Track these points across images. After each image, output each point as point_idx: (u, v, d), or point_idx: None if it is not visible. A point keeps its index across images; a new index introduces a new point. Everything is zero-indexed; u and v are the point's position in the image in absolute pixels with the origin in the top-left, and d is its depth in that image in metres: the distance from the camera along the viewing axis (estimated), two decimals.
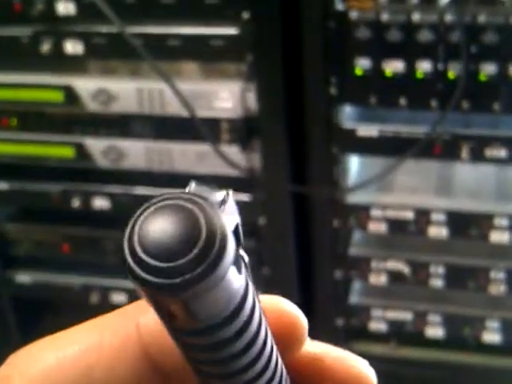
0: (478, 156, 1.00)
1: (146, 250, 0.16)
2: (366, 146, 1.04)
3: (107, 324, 0.25)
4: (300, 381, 0.27)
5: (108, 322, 0.25)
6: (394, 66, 0.96)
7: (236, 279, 0.17)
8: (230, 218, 0.17)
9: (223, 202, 0.18)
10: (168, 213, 0.16)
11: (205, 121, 1.00)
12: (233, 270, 0.17)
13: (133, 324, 0.24)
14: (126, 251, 0.16)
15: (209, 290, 0.16)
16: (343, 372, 0.26)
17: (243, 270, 0.18)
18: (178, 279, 0.16)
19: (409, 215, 1.07)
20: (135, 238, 0.16)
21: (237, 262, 0.17)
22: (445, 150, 1.00)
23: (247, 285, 0.19)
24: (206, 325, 0.18)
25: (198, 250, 0.16)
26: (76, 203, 1.13)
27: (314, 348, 0.27)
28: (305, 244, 1.12)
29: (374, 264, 1.11)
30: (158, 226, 0.16)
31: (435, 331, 1.14)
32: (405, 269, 1.10)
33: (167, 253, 0.16)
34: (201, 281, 0.16)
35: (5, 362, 0.25)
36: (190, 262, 0.16)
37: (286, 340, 0.25)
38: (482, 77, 0.94)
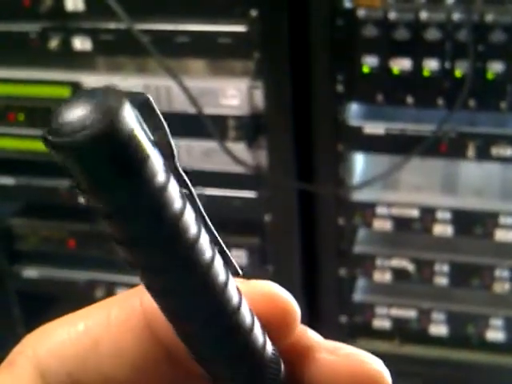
0: (484, 154, 1.00)
1: (56, 121, 0.18)
2: (373, 144, 1.04)
3: (113, 302, 0.26)
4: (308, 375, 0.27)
5: (114, 300, 0.26)
6: (401, 64, 0.97)
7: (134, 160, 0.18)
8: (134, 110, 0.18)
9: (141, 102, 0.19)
10: (82, 97, 0.18)
11: (212, 118, 1.00)
12: (128, 149, 0.18)
13: (137, 301, 0.25)
14: (46, 128, 0.18)
15: (94, 155, 0.17)
16: (356, 368, 0.26)
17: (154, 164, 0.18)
18: (70, 137, 0.17)
19: (414, 213, 1.07)
20: (53, 116, 0.18)
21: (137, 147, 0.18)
22: (451, 148, 1.01)
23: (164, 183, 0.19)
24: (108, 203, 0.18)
25: (90, 117, 0.17)
26: (82, 199, 1.13)
27: (329, 343, 0.27)
28: (310, 241, 1.13)
29: (378, 262, 1.12)
30: (69, 106, 0.18)
31: (439, 329, 1.15)
32: (409, 266, 1.11)
33: (69, 122, 0.18)
34: (88, 143, 0.17)
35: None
36: (80, 126, 0.17)
37: (278, 325, 0.25)
38: (489, 75, 0.94)
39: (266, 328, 0.24)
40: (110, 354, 0.25)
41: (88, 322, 0.25)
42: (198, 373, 0.25)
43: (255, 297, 0.25)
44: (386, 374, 0.26)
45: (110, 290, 1.20)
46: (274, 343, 0.25)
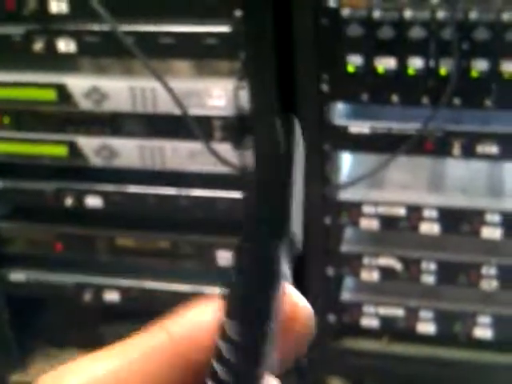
0: (469, 152, 1.01)
1: None
2: (358, 143, 1.05)
3: (136, 343, 0.25)
4: None
5: (136, 341, 0.25)
6: (385, 63, 0.97)
7: None
8: None
9: None
10: None
11: (197, 119, 1.00)
12: None
13: (164, 334, 0.25)
14: None
15: None
16: None
17: None
18: None
19: (401, 212, 1.07)
20: None
21: None
22: (436, 146, 1.01)
23: None
24: None
25: None
26: (69, 202, 1.13)
27: None
28: None
29: (365, 260, 1.12)
30: None
31: (427, 327, 1.15)
32: (397, 265, 1.11)
33: None
34: None
35: None
36: None
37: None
38: (474, 73, 0.95)
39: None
40: None
41: (108, 365, 0.24)
42: None
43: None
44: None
45: (97, 293, 1.20)
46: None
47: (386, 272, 1.12)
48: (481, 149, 1.00)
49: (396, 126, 1.02)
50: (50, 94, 1.05)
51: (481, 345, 1.15)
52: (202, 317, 0.25)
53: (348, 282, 1.19)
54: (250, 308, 0.24)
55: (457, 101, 0.97)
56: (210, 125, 1.03)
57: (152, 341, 0.25)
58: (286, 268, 0.24)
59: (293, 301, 0.26)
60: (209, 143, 1.01)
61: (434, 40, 0.94)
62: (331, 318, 1.18)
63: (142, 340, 0.25)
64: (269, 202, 0.22)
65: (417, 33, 0.94)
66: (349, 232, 1.16)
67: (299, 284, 1.00)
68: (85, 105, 1.05)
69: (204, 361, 0.24)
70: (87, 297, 1.20)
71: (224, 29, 0.99)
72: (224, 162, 1.02)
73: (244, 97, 1.02)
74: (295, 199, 0.22)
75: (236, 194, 1.08)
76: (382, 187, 1.12)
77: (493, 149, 1.00)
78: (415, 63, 0.96)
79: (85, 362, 0.25)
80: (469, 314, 1.13)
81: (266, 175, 0.21)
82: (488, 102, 0.96)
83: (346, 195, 1.09)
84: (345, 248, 1.13)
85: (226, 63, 1.05)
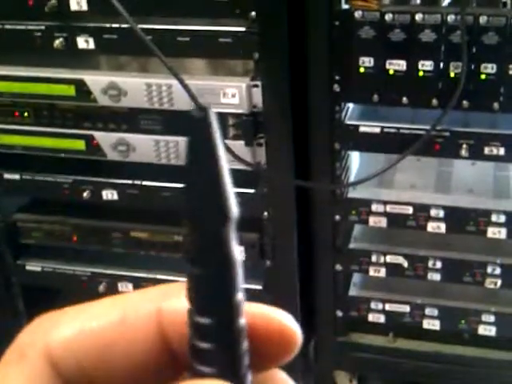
0: (476, 153, 1.03)
1: None
2: (368, 143, 1.07)
3: (130, 303, 0.27)
4: None
5: (131, 301, 0.27)
6: (396, 65, 0.99)
7: None
8: None
9: None
10: None
11: None
12: None
13: (153, 307, 0.26)
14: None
15: None
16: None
17: None
18: None
19: (408, 211, 1.09)
20: None
21: None
22: (445, 147, 1.03)
23: None
24: None
25: None
26: (85, 195, 1.15)
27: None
28: (306, 237, 1.15)
29: (373, 258, 1.14)
30: None
31: (432, 324, 1.17)
32: (404, 262, 1.13)
33: None
34: None
35: (30, 324, 0.27)
36: None
37: (276, 350, 0.27)
38: (482, 76, 0.96)
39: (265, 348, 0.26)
40: (123, 356, 0.26)
41: (102, 320, 0.26)
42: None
43: (269, 321, 0.27)
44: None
45: (112, 284, 1.23)
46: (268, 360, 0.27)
47: (394, 269, 1.14)
48: (488, 150, 1.02)
49: (405, 127, 1.04)
50: (69, 90, 1.08)
51: (485, 342, 1.17)
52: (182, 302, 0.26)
53: (356, 278, 1.21)
54: (211, 292, 0.25)
55: (465, 103, 0.99)
56: (224, 122, 1.05)
57: (143, 307, 0.26)
58: (237, 249, 0.26)
59: (282, 323, 0.27)
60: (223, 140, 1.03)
61: (443, 43, 0.96)
62: (339, 313, 1.20)
63: (135, 303, 0.26)
64: (201, 189, 0.24)
65: (427, 36, 0.96)
66: (357, 229, 1.18)
67: (308, 279, 1.04)
68: (102, 100, 1.08)
69: (183, 350, 0.25)
70: (102, 288, 1.23)
71: (239, 28, 1.01)
72: (237, 158, 1.04)
73: (257, 95, 1.04)
74: (223, 176, 0.24)
75: (249, 190, 1.11)
76: (391, 186, 1.14)
77: (500, 151, 1.01)
78: (425, 65, 0.98)
79: (81, 310, 0.26)
80: (473, 311, 1.15)
81: (190, 165, 0.23)
82: (496, 105, 0.98)
83: (355, 193, 1.11)
84: (353, 245, 1.15)
85: (240, 62, 1.08)
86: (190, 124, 0.24)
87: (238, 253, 0.25)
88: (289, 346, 0.27)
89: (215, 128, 0.24)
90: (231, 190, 0.25)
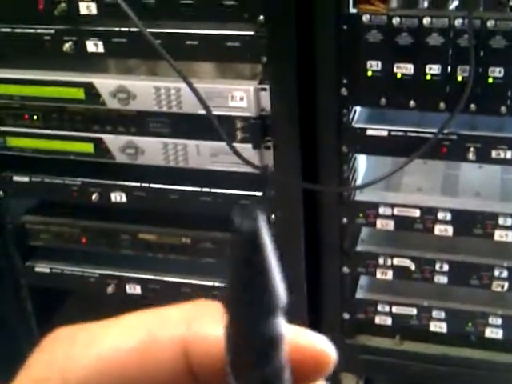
0: (484, 157, 1.03)
1: None
2: (375, 146, 1.07)
3: (154, 327, 0.25)
4: None
5: (154, 324, 0.25)
6: (404, 69, 0.99)
7: None
8: None
9: None
10: None
11: (220, 119, 1.02)
12: None
13: (179, 332, 0.25)
14: None
15: None
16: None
17: None
18: None
19: (416, 213, 1.10)
20: None
21: None
22: (452, 150, 1.03)
23: None
24: None
25: None
26: (94, 197, 1.16)
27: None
28: (314, 240, 1.15)
29: (380, 260, 1.14)
30: None
31: (439, 326, 1.17)
32: (411, 265, 1.13)
33: None
34: None
35: (42, 347, 0.25)
36: None
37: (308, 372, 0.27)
38: (490, 80, 0.97)
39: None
40: (141, 379, 0.25)
41: (123, 347, 0.25)
42: None
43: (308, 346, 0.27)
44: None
45: (119, 286, 1.23)
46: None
47: (401, 272, 1.14)
48: (495, 154, 1.02)
49: (413, 130, 1.04)
50: (78, 93, 1.09)
51: (491, 344, 1.17)
52: (214, 327, 0.25)
53: (363, 280, 1.22)
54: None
55: (473, 106, 0.99)
56: (232, 125, 1.06)
57: (167, 332, 0.25)
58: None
59: (318, 347, 0.27)
60: (231, 143, 1.03)
61: (451, 47, 0.96)
62: (346, 315, 1.20)
63: (159, 327, 0.25)
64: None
65: (435, 40, 0.97)
66: (365, 232, 1.18)
67: (315, 282, 1.04)
68: (111, 104, 1.08)
69: (207, 373, 0.25)
70: (110, 289, 1.24)
71: (247, 32, 1.01)
72: (245, 161, 1.04)
73: (265, 99, 1.05)
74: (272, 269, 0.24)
75: (256, 193, 1.11)
76: (398, 189, 1.14)
77: (507, 154, 1.02)
78: (433, 69, 0.98)
79: (99, 333, 0.25)
80: (480, 314, 1.15)
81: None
82: (503, 108, 0.98)
83: (362, 196, 1.12)
84: (360, 248, 1.16)
85: (248, 66, 1.08)
86: (239, 239, 0.23)
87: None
88: (322, 367, 0.27)
89: (266, 241, 0.23)
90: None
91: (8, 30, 1.08)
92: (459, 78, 0.98)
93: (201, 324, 0.25)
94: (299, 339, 0.26)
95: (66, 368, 0.24)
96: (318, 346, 0.27)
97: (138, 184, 1.15)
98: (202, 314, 0.26)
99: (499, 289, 1.11)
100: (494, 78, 0.97)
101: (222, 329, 0.24)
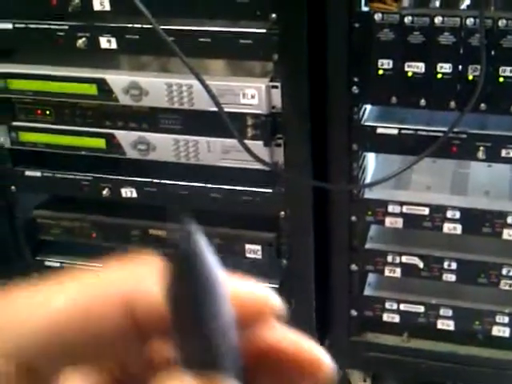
0: (493, 156, 1.03)
1: None
2: (385, 144, 1.07)
3: (97, 289, 0.26)
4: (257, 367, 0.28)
5: (97, 286, 0.26)
6: (415, 67, 1.00)
7: None
8: None
9: None
10: None
11: (231, 116, 1.03)
12: None
13: (125, 287, 0.26)
14: None
15: None
16: (295, 356, 0.28)
17: None
18: None
19: (424, 212, 1.10)
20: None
21: None
22: (462, 149, 1.04)
23: None
24: None
25: None
26: (105, 192, 1.17)
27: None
28: (323, 237, 1.16)
29: (389, 258, 1.15)
30: None
31: (446, 324, 1.18)
32: (419, 263, 1.14)
33: None
34: None
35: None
36: None
37: (252, 316, 0.27)
38: (501, 79, 0.97)
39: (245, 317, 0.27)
40: (88, 343, 0.26)
41: (67, 311, 0.26)
42: (165, 355, 0.27)
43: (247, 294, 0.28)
44: (325, 358, 0.28)
45: None
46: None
47: (409, 270, 1.14)
48: (505, 153, 1.03)
49: (423, 129, 1.05)
50: (91, 89, 1.09)
51: (499, 343, 1.18)
52: (157, 282, 0.26)
53: (371, 278, 1.22)
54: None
55: (483, 106, 0.99)
56: (243, 122, 1.06)
57: (109, 288, 0.26)
58: None
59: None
60: (242, 140, 1.04)
61: (462, 46, 0.97)
62: (354, 312, 1.21)
63: (102, 288, 0.26)
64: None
65: (446, 39, 0.97)
66: (373, 230, 1.19)
67: (324, 279, 1.05)
68: (124, 100, 1.09)
69: (148, 321, 0.26)
70: None
71: (259, 30, 1.02)
72: (256, 158, 1.05)
73: (276, 96, 1.05)
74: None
75: (267, 190, 1.12)
76: (408, 188, 1.15)
77: None
78: (444, 68, 0.99)
79: (41, 292, 0.27)
80: (488, 312, 1.16)
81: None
82: None
83: (371, 194, 1.12)
84: (369, 245, 1.16)
85: (260, 63, 1.09)
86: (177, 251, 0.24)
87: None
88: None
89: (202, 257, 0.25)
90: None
91: (22, 25, 1.09)
92: (470, 77, 0.98)
93: (143, 280, 0.26)
94: (240, 289, 0.27)
95: (9, 330, 0.25)
96: (258, 292, 0.27)
97: (149, 180, 1.15)
98: (145, 271, 0.26)
99: (507, 287, 1.12)
100: (505, 78, 0.97)
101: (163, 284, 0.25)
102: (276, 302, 0.28)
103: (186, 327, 0.25)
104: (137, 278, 0.26)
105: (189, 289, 0.24)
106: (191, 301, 0.24)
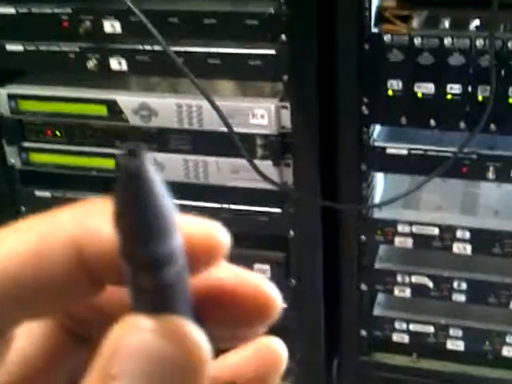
0: (503, 176, 1.04)
1: None
2: (395, 164, 1.08)
3: (45, 231, 0.25)
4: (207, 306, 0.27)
5: (45, 228, 0.25)
6: (424, 88, 1.00)
7: None
8: None
9: None
10: None
11: (241, 136, 1.03)
12: None
13: (73, 229, 0.24)
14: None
15: None
16: (247, 295, 0.26)
17: None
18: None
19: (434, 232, 1.10)
20: None
21: None
22: (471, 169, 1.04)
23: None
24: None
25: None
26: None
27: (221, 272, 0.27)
28: (332, 256, 1.16)
29: (398, 278, 1.15)
30: None
31: (456, 344, 1.18)
32: (429, 283, 1.14)
33: None
34: None
35: None
36: None
37: (203, 255, 0.26)
38: (511, 100, 0.98)
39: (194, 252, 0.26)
40: (38, 287, 0.24)
41: (14, 252, 0.24)
42: (118, 299, 0.26)
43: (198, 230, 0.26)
44: (273, 292, 0.27)
45: None
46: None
47: (418, 289, 1.14)
48: None
49: (432, 149, 1.05)
50: (101, 110, 1.10)
51: (509, 363, 1.17)
52: (105, 222, 0.24)
53: (381, 298, 1.22)
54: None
55: (493, 126, 1.00)
56: (252, 142, 1.07)
57: (56, 231, 0.24)
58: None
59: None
60: (251, 160, 1.04)
61: (472, 67, 0.97)
62: (363, 332, 1.21)
63: (46, 228, 0.25)
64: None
65: (456, 59, 0.97)
66: (383, 249, 1.19)
67: (333, 298, 1.04)
68: (133, 120, 1.09)
69: (98, 262, 0.24)
70: None
71: (269, 51, 1.02)
72: (265, 178, 1.05)
73: (286, 116, 1.06)
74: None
75: (275, 210, 1.12)
76: (417, 207, 1.15)
77: None
78: (453, 89, 0.99)
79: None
80: (498, 333, 1.15)
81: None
82: None
83: (381, 214, 1.12)
84: (379, 265, 1.16)
85: (269, 84, 1.09)
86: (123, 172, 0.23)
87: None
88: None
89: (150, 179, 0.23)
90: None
91: (33, 47, 1.09)
92: (480, 98, 0.99)
93: (91, 221, 0.25)
94: (188, 224, 0.26)
95: None
96: (208, 228, 0.26)
97: None
98: (92, 212, 0.25)
99: None
100: None
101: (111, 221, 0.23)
102: (225, 237, 0.26)
103: (135, 256, 0.23)
104: (83, 218, 0.25)
105: (138, 207, 0.23)
106: (140, 221, 0.23)
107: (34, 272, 0.24)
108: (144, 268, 0.23)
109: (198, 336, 0.23)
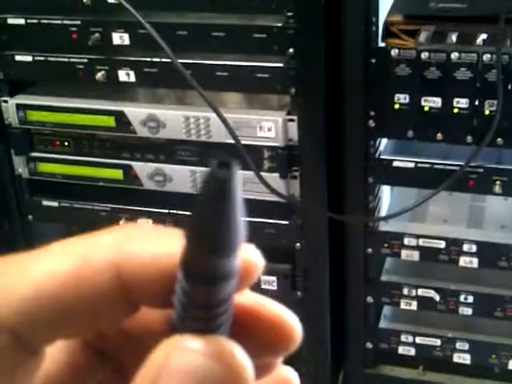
0: (509, 190, 1.04)
1: None
2: (401, 178, 1.08)
3: (86, 251, 0.25)
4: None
5: (86, 248, 0.25)
6: (431, 102, 1.00)
7: None
8: None
9: None
10: None
11: (248, 148, 1.04)
12: None
13: (113, 252, 0.24)
14: None
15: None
16: (266, 319, 0.26)
17: None
18: None
19: (441, 245, 1.10)
20: None
21: None
22: (478, 183, 1.04)
23: None
24: None
25: None
26: (122, 222, 1.17)
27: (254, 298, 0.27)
28: (339, 269, 1.16)
29: (405, 290, 1.15)
30: None
31: (463, 358, 1.17)
32: (435, 296, 1.14)
33: None
34: None
35: None
36: None
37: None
38: None
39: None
40: (80, 307, 0.24)
41: (56, 274, 0.24)
42: (154, 319, 0.26)
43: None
44: (295, 323, 0.27)
45: None
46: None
47: (425, 303, 1.14)
48: None
49: (439, 162, 1.05)
50: (109, 121, 1.10)
51: None
52: (145, 247, 0.25)
53: (386, 310, 1.22)
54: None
55: (500, 140, 1.00)
56: (259, 155, 1.07)
57: (97, 253, 0.24)
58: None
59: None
60: (258, 172, 1.05)
61: (479, 81, 0.97)
62: (369, 344, 1.21)
63: (87, 249, 0.25)
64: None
65: (463, 74, 0.98)
66: (389, 262, 1.19)
67: (339, 311, 1.04)
68: (141, 132, 1.10)
69: (136, 285, 0.25)
70: None
71: (277, 64, 1.03)
72: (272, 190, 1.05)
73: (293, 129, 1.06)
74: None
75: (282, 221, 1.12)
76: (424, 220, 1.15)
77: None
78: (460, 103, 0.99)
79: (30, 258, 0.25)
80: (504, 346, 1.15)
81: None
82: None
83: (387, 227, 1.12)
84: (385, 278, 1.16)
85: (277, 97, 1.10)
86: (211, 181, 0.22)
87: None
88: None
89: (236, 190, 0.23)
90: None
91: (42, 58, 1.10)
92: (486, 112, 0.99)
93: (131, 245, 0.25)
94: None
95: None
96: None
97: (166, 211, 1.16)
98: (133, 236, 0.25)
99: None
100: None
101: (154, 247, 0.24)
102: (260, 260, 0.26)
103: (202, 267, 0.23)
104: (124, 241, 0.25)
105: (221, 218, 0.23)
106: (219, 232, 0.23)
107: (73, 292, 0.24)
108: (203, 282, 0.23)
109: (244, 358, 0.24)
